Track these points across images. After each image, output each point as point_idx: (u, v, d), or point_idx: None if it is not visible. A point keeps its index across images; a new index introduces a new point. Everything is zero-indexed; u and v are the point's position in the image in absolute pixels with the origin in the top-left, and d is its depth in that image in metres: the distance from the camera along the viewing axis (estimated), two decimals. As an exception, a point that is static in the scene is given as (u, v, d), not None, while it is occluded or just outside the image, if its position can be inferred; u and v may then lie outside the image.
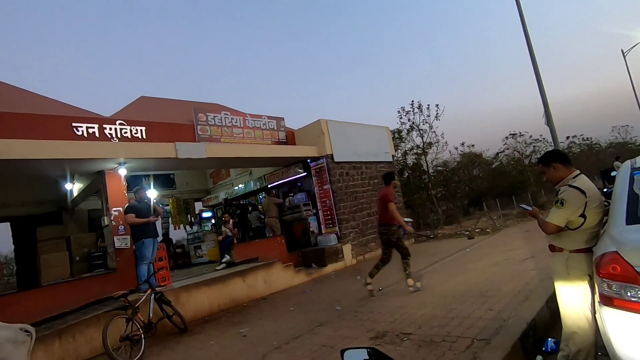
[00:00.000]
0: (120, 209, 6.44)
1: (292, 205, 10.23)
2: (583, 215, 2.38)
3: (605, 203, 2.46)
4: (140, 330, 4.60)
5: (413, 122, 18.59)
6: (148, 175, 9.63)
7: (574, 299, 2.43)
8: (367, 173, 10.86)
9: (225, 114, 8.80)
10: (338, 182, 9.73)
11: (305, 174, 10.03)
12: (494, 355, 2.74)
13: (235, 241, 8.51)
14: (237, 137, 8.83)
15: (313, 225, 9.70)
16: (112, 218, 6.48)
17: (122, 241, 6.38)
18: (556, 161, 2.60)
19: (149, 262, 5.99)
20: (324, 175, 9.66)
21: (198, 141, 7.93)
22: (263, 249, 8.47)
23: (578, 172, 2.58)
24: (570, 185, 2.44)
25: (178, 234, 13.68)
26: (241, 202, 12.81)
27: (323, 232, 9.60)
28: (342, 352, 0.92)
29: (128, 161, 6.61)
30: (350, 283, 6.81)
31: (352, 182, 10.21)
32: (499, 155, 28.64)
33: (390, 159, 12.02)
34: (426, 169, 20.10)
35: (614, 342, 1.77)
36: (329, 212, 9.58)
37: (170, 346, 4.77)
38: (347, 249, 9.32)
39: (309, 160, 9.88)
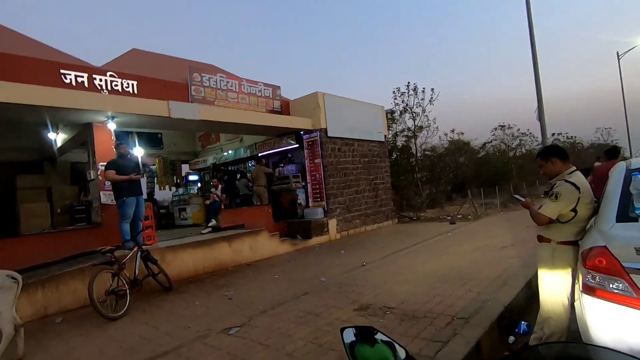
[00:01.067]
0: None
1: (282, 176, 10.22)
2: (574, 210, 2.49)
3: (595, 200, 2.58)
4: (126, 285, 4.64)
5: (407, 104, 18.55)
6: (134, 132, 9.38)
7: (555, 287, 2.58)
8: (358, 151, 10.88)
9: (220, 76, 8.53)
10: (329, 157, 9.73)
11: (297, 146, 9.96)
12: (472, 332, 2.90)
13: (222, 207, 8.51)
14: (232, 102, 8.62)
15: (301, 198, 9.76)
16: (98, 172, 6.33)
17: (108, 197, 6.26)
18: (555, 156, 2.68)
19: (132, 220, 5.90)
20: (316, 149, 9.63)
21: (191, 102, 7.70)
22: (250, 216, 8.51)
23: (574, 168, 2.67)
24: (566, 180, 2.53)
25: (162, 195, 13.53)
26: (230, 168, 12.71)
27: (310, 205, 9.68)
28: (342, 330, 0.95)
29: (117, 115, 6.39)
30: (334, 257, 6.97)
31: (343, 159, 10.23)
32: (486, 145, 29.07)
33: (383, 139, 12.05)
34: (414, 152, 20.30)
35: (592, 328, 1.91)
36: (317, 186, 9.63)
37: (156, 303, 4.84)
38: (332, 223, 9.46)
39: (302, 133, 9.80)
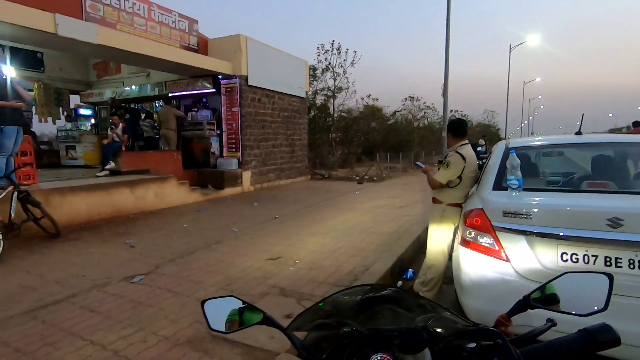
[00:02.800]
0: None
1: (195, 122, 9.53)
2: (460, 177, 2.94)
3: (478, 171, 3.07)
4: (-1, 230, 3.98)
5: (329, 63, 18.58)
6: (4, 46, 7.60)
7: (440, 240, 3.07)
8: (278, 104, 10.68)
9: (126, -5, 7.26)
10: (248, 107, 9.37)
11: (213, 90, 9.29)
12: (370, 278, 3.31)
13: (123, 148, 7.65)
14: (138, 29, 7.49)
15: (214, 146, 9.32)
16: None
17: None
18: (449, 131, 3.11)
19: (8, 155, 4.97)
20: (234, 96, 9.13)
21: (85, 20, 6.46)
22: (156, 161, 7.85)
23: (466, 142, 3.11)
24: (456, 152, 2.96)
25: (42, 128, 11.47)
26: (133, 106, 11.31)
27: (225, 155, 9.34)
28: (203, 302, 0.86)
29: (-19, 21, 5.04)
30: (247, 208, 6.99)
31: (262, 110, 9.95)
32: (396, 114, 31.30)
33: (304, 95, 12.00)
34: (332, 112, 20.78)
35: (464, 271, 2.35)
36: (233, 136, 9.28)
37: (39, 251, 4.29)
38: (246, 175, 9.35)
39: (220, 77, 9.13)
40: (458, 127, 3.09)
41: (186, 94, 9.90)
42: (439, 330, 0.74)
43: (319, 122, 20.27)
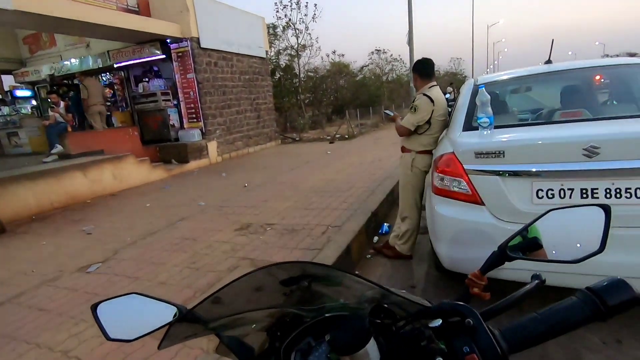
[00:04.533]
0: None
1: (147, 93, 8.79)
2: (429, 122, 2.75)
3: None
4: None
5: (290, 19, 17.53)
6: None
7: (412, 191, 2.93)
8: (238, 67, 10.00)
9: (40, -50, 6.24)
10: (205, 73, 8.70)
11: (163, 56, 8.51)
12: (343, 238, 3.18)
13: (69, 129, 6.98)
14: (64, -10, 6.55)
15: (173, 118, 8.71)
16: None
17: None
18: (415, 72, 2.85)
19: None
20: (187, 61, 8.42)
21: (-4, -17, 5.54)
22: (110, 140, 7.25)
23: (434, 84, 2.88)
24: (424, 94, 2.73)
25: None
26: (75, 81, 10.30)
27: (185, 126, 8.77)
28: (94, 307, 0.62)
29: None
30: (214, 180, 6.66)
31: (220, 75, 9.29)
32: (364, 69, 30.58)
33: (264, 55, 11.29)
34: (298, 73, 19.97)
35: (437, 220, 2.22)
36: (192, 105, 8.67)
37: (-19, 250, 3.88)
38: (212, 146, 8.88)
39: (168, 41, 8.33)
40: (424, 67, 2.84)
41: (134, 63, 9.04)
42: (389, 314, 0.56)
43: (285, 84, 19.50)
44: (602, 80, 2.41)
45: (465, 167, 2.07)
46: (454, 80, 26.26)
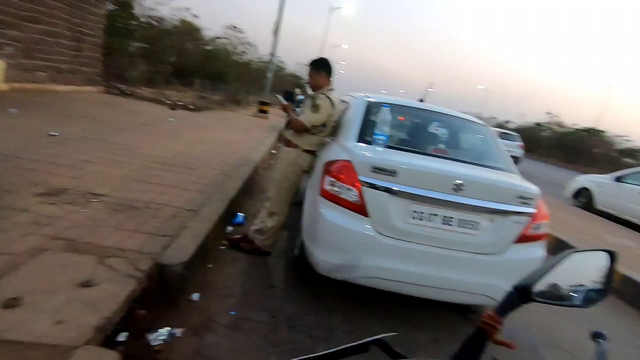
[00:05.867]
0: None
1: None
2: (324, 124, 2.74)
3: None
4: None
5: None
6: None
7: (287, 187, 2.83)
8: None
9: None
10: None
11: None
12: (201, 225, 2.75)
13: None
14: None
15: None
16: None
17: None
18: (326, 70, 2.80)
19: None
20: None
21: None
22: None
23: (333, 87, 2.90)
24: (327, 96, 2.71)
25: None
26: None
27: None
28: None
29: None
30: (4, 118, 4.70)
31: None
32: (216, 40, 28.62)
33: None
34: (137, 16, 16.81)
35: (321, 224, 2.20)
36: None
37: None
38: (-4, 65, 6.28)
39: None
40: (330, 68, 2.81)
41: None
42: None
43: (118, 22, 16.02)
44: (461, 127, 2.98)
45: (360, 178, 2.13)
46: (300, 84, 27.92)
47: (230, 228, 3.34)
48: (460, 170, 2.23)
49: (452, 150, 2.69)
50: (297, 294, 2.53)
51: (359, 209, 2.13)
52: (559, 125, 35.35)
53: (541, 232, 2.29)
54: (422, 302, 2.41)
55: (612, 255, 0.69)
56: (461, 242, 2.16)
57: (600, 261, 0.70)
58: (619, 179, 7.31)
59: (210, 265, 2.67)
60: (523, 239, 2.22)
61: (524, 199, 2.19)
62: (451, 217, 2.16)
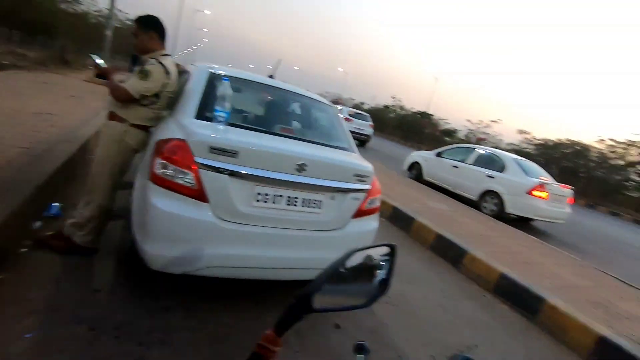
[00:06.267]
0: None
1: None
2: (157, 95, 2.35)
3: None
4: None
5: None
6: None
7: (109, 167, 2.36)
8: None
9: None
10: None
11: None
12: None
13: None
14: None
15: None
16: None
17: None
18: (156, 31, 2.37)
19: None
20: None
21: None
22: None
23: (167, 52, 2.50)
24: (159, 62, 2.31)
25: None
26: None
27: None
28: None
29: None
30: None
31: None
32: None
33: None
34: None
35: (152, 213, 1.89)
36: None
37: None
38: None
39: None
40: (163, 29, 2.38)
41: None
42: None
43: None
44: (307, 106, 2.98)
45: (197, 159, 1.90)
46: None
47: (38, 223, 2.63)
48: (303, 150, 2.22)
49: (297, 129, 2.69)
50: (131, 296, 2.17)
51: (197, 194, 1.91)
52: (401, 108, 41.33)
53: (375, 206, 2.52)
54: (271, 283, 2.40)
55: (392, 248, 0.70)
56: (305, 221, 2.19)
57: (383, 255, 0.71)
58: (439, 155, 8.97)
59: (1, 276, 2.04)
60: (360, 213, 2.40)
61: (361, 177, 2.34)
62: (296, 198, 2.15)
